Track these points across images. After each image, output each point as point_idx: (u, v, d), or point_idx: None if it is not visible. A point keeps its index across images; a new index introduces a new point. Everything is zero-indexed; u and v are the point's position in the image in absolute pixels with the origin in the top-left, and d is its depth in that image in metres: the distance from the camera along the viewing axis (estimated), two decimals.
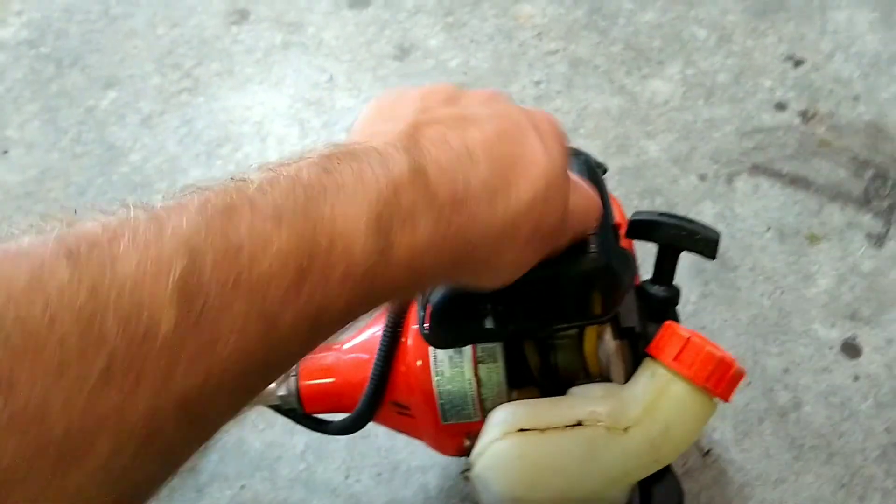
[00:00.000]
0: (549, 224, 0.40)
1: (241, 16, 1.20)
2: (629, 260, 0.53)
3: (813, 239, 0.89)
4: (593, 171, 0.53)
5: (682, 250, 0.57)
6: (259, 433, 0.84)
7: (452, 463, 0.79)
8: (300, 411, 0.65)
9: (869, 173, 0.93)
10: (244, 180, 0.32)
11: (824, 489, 0.76)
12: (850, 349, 0.83)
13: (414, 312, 0.60)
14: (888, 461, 0.77)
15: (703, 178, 0.95)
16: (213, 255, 0.29)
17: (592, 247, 0.49)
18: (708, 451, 0.78)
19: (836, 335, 0.83)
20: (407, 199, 0.33)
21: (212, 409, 0.30)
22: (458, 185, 0.35)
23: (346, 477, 0.81)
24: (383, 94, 0.43)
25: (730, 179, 0.94)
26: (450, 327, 0.52)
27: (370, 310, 0.35)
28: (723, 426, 0.79)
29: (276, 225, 0.30)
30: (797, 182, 0.93)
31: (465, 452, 0.61)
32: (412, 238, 0.33)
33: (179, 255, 0.28)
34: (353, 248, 0.31)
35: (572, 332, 0.58)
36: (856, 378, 0.81)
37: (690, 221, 0.57)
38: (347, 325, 0.34)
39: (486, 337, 0.54)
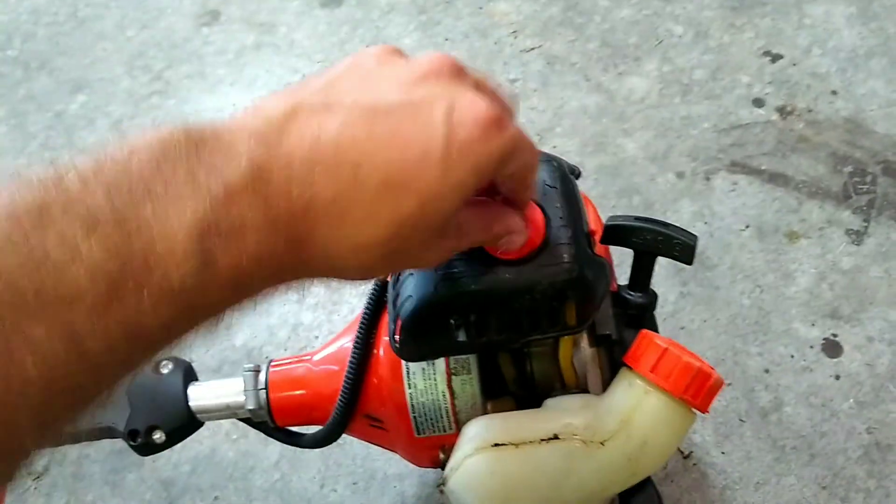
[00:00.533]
0: (411, 250, 0.36)
1: (212, 17, 1.18)
2: (604, 269, 0.51)
3: (792, 236, 0.89)
4: (565, 179, 0.51)
5: (659, 256, 0.56)
6: (232, 443, 0.83)
7: (429, 471, 0.78)
8: (271, 424, 0.64)
9: (848, 169, 0.93)
10: (67, 169, 0.29)
11: (806, 491, 0.75)
12: (831, 348, 0.82)
13: (386, 323, 0.59)
14: (870, 461, 0.76)
15: (680, 175, 0.94)
16: (10, 265, 0.26)
17: (566, 257, 0.47)
18: (689, 455, 0.77)
19: (816, 334, 0.83)
20: (238, 211, 0.30)
21: (14, 441, 0.27)
22: (303, 198, 0.32)
23: (322, 487, 0.79)
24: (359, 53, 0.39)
25: (708, 177, 0.93)
26: (421, 341, 0.50)
27: (197, 327, 0.32)
28: (703, 428, 0.78)
29: (87, 232, 0.27)
30: (776, 179, 0.92)
31: (441, 464, 0.59)
32: (238, 255, 0.30)
33: None
34: (170, 264, 0.29)
35: (547, 341, 0.56)
36: (837, 377, 0.80)
37: (667, 226, 0.55)
38: (176, 343, 0.31)
39: (458, 350, 0.52)
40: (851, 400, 0.79)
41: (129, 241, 0.28)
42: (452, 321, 0.48)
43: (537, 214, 0.48)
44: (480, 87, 0.38)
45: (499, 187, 0.41)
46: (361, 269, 0.36)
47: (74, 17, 1.22)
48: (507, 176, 0.39)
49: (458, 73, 0.37)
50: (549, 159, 0.52)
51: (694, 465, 0.77)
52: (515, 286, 0.47)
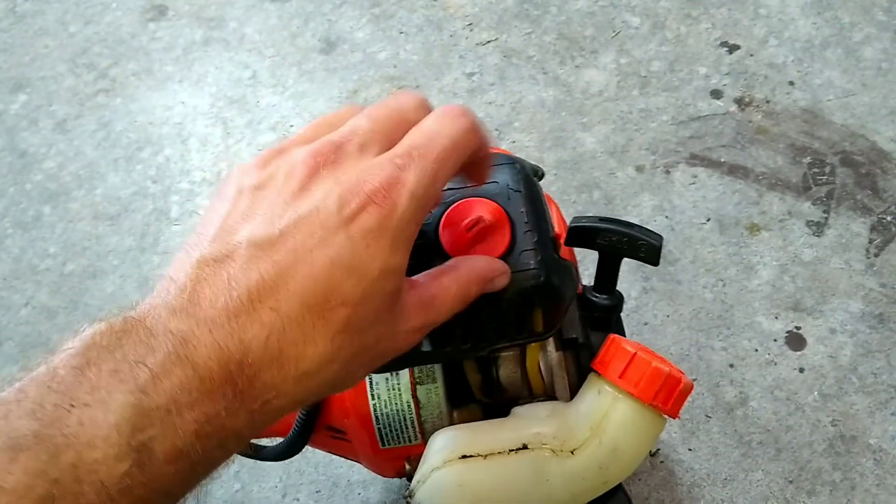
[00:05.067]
0: (369, 347, 0.35)
1: (159, 12, 1.14)
2: (570, 272, 0.50)
3: (753, 229, 0.88)
4: (529, 181, 0.50)
5: (625, 257, 0.55)
6: None
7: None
8: None
9: (806, 160, 0.92)
10: None
11: (773, 486, 0.75)
12: (795, 340, 0.82)
13: None
14: (835, 454, 0.76)
15: (640, 169, 0.93)
16: None
17: (532, 263, 0.46)
18: (656, 453, 0.77)
19: (779, 327, 0.82)
20: (169, 393, 0.29)
21: None
22: (234, 356, 0.31)
23: (284, 496, 0.77)
24: (228, 179, 0.37)
25: (667, 170, 0.93)
26: None
27: None
28: (670, 426, 0.78)
29: (11, 458, 0.26)
30: (735, 171, 0.92)
31: (406, 475, 0.58)
32: (177, 438, 0.29)
33: None
34: (102, 470, 0.28)
35: (514, 348, 0.55)
36: (801, 370, 0.80)
37: (631, 226, 0.54)
38: None
39: (423, 360, 0.50)
40: (816, 393, 0.79)
41: (56, 459, 0.27)
42: None
43: (502, 220, 0.47)
44: (372, 138, 0.37)
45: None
46: (322, 389, 0.35)
47: (13, 12, 1.18)
48: (461, 170, 0.39)
49: (336, 154, 0.35)
50: (512, 161, 0.51)
51: (661, 462, 0.76)
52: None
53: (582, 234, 0.54)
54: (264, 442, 0.64)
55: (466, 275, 0.41)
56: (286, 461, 0.76)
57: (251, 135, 1.01)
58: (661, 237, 0.54)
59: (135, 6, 1.15)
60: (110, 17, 1.15)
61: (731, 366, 0.80)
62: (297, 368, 0.32)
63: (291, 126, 1.01)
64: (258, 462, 0.77)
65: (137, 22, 1.14)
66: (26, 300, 0.92)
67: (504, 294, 0.45)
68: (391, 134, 0.37)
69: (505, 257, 0.46)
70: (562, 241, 0.54)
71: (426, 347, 0.47)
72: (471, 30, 1.06)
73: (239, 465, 0.79)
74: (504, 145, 0.96)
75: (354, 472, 0.77)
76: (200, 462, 0.31)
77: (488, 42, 1.05)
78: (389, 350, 0.37)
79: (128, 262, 0.93)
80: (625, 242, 0.53)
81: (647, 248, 0.53)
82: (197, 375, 0.30)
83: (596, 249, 0.55)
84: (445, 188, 0.46)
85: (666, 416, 0.50)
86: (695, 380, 0.80)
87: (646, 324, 0.83)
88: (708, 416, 0.78)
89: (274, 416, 0.33)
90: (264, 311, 0.32)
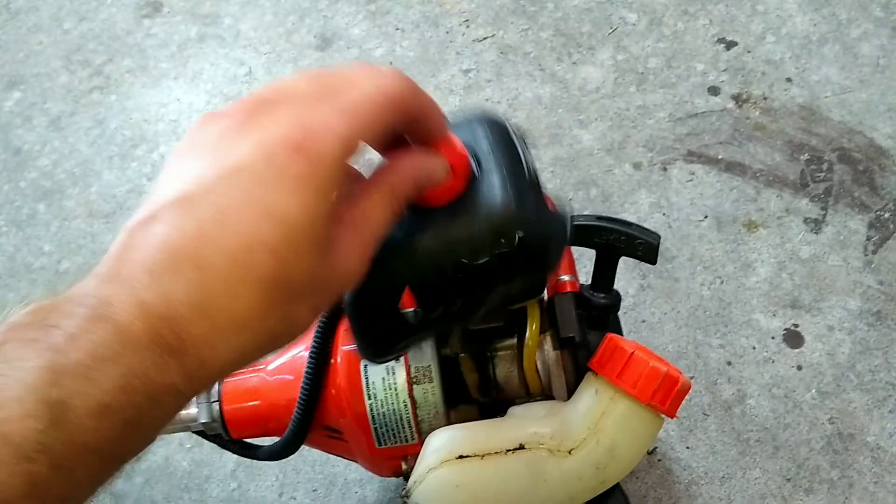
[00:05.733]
0: (304, 282, 0.34)
1: (154, 8, 1.14)
2: (556, 218, 0.45)
3: (751, 226, 0.88)
4: (500, 127, 0.45)
5: (622, 256, 0.54)
6: (187, 452, 0.80)
7: None
8: (226, 437, 0.61)
9: (804, 157, 0.92)
10: None
11: (771, 484, 0.75)
12: (793, 338, 0.81)
13: (342, 332, 0.57)
14: (833, 452, 0.75)
15: (637, 166, 0.93)
16: None
17: (500, 191, 0.41)
18: (653, 450, 0.76)
19: (777, 324, 0.82)
20: (84, 351, 0.29)
21: None
22: (157, 314, 0.31)
23: (280, 495, 0.77)
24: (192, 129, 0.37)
25: (665, 167, 0.92)
26: (371, 335, 0.45)
27: (92, 480, 0.30)
28: (668, 423, 0.77)
29: None
30: (733, 168, 0.92)
31: (403, 474, 0.58)
32: (97, 392, 0.29)
33: None
34: (15, 427, 0.27)
35: (510, 344, 0.55)
36: (799, 367, 0.80)
37: (629, 225, 0.54)
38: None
39: (415, 333, 0.45)
40: (814, 390, 0.79)
41: None
42: (394, 298, 0.43)
43: (458, 149, 0.42)
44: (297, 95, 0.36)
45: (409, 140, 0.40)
46: (263, 342, 0.34)
47: (7, 8, 1.17)
48: (402, 129, 0.38)
49: (264, 107, 0.35)
50: (488, 117, 0.46)
51: (659, 460, 0.76)
52: (445, 236, 0.41)
53: (580, 232, 0.54)
54: (261, 441, 0.64)
55: (391, 176, 0.39)
56: (283, 460, 0.76)
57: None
58: (658, 236, 0.53)
59: (129, 3, 1.15)
60: (105, 13, 1.14)
61: (729, 363, 0.80)
62: (228, 322, 0.32)
63: None
64: (255, 461, 0.77)
65: (132, 18, 1.13)
66: (21, 298, 0.91)
67: (472, 230, 0.41)
68: (322, 89, 0.36)
69: (468, 194, 0.42)
70: None
71: (413, 319, 0.43)
72: (467, 26, 1.06)
73: (235, 464, 0.78)
74: None
75: (351, 471, 0.77)
76: (133, 419, 0.30)
77: (485, 38, 1.05)
78: (334, 288, 0.36)
79: None
80: (622, 241, 0.53)
81: (645, 247, 0.53)
82: (118, 331, 0.30)
83: (594, 248, 0.54)
84: None
85: (663, 416, 0.49)
86: (692, 377, 0.80)
87: (643, 321, 0.83)
88: (706, 414, 0.78)
89: (217, 372, 0.33)
90: (188, 268, 0.31)
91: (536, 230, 0.41)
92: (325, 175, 0.34)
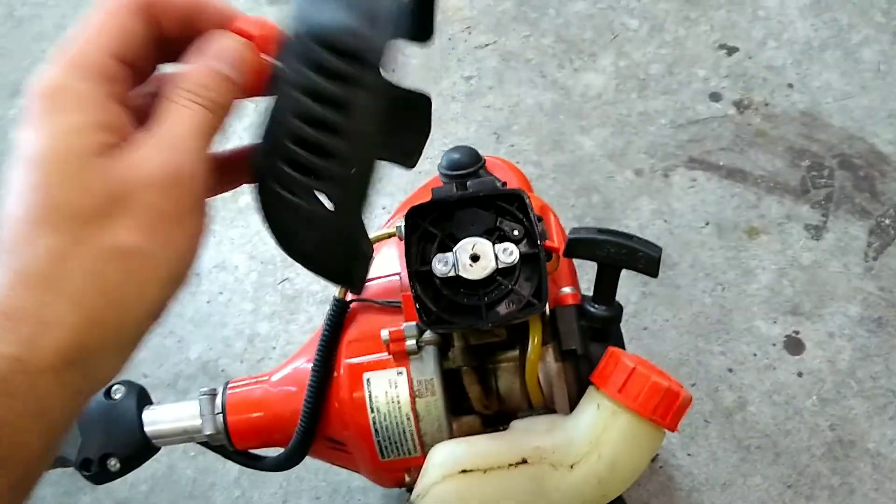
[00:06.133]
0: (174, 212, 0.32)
1: None
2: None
3: (752, 232, 0.88)
4: None
5: (624, 268, 0.55)
6: (191, 460, 0.81)
7: None
8: (230, 447, 0.62)
9: (805, 163, 0.92)
10: None
11: (772, 490, 0.75)
12: (793, 345, 0.82)
13: (344, 345, 0.57)
14: (833, 458, 0.76)
15: (639, 173, 0.93)
16: None
17: None
18: (654, 458, 0.77)
19: (778, 331, 0.82)
20: None
21: None
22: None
23: (284, 502, 0.77)
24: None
25: (666, 174, 0.93)
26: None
27: None
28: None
29: None
30: (734, 174, 0.92)
31: (406, 486, 0.58)
32: None
33: None
34: None
35: (513, 356, 0.55)
36: (799, 374, 0.80)
37: (630, 238, 0.54)
38: None
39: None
40: (814, 397, 0.79)
41: None
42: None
43: (254, 22, 0.36)
44: None
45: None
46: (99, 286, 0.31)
47: (11, 17, 1.18)
48: (176, 33, 0.34)
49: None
50: None
51: (660, 468, 0.77)
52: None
53: (581, 245, 0.54)
54: (265, 452, 0.64)
55: (185, 82, 0.34)
56: None
57: (249, 139, 1.00)
58: (660, 248, 0.54)
59: None
60: None
61: (730, 370, 0.81)
62: (35, 277, 0.30)
63: None
64: None
65: None
66: None
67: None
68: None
69: None
70: (560, 252, 0.54)
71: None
72: (469, 33, 1.06)
73: (239, 472, 0.79)
74: (502, 148, 0.95)
75: (354, 479, 0.77)
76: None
77: (486, 45, 1.05)
78: (145, 193, 0.32)
79: None
80: (624, 254, 0.53)
81: (647, 260, 0.53)
82: None
83: (595, 261, 0.55)
84: None
85: (665, 430, 0.50)
86: (693, 385, 0.80)
87: (645, 328, 0.83)
88: (707, 421, 0.78)
89: (67, 332, 0.30)
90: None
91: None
92: (60, 107, 0.31)
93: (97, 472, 0.61)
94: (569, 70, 1.01)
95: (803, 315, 0.83)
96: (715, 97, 0.98)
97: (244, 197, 0.93)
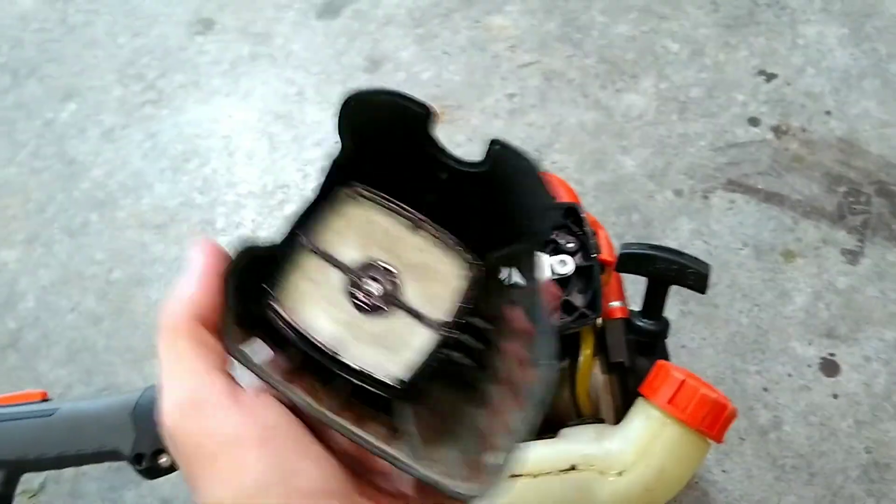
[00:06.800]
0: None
1: (206, 25, 1.17)
2: None
3: (788, 256, 0.89)
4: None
5: (673, 284, 0.56)
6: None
7: None
8: None
9: (842, 189, 0.94)
10: None
11: None
12: (829, 367, 0.83)
13: None
14: (869, 480, 0.77)
15: (678, 193, 0.94)
16: None
17: None
18: None
19: (813, 353, 0.83)
20: None
21: None
22: None
23: None
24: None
25: (705, 195, 0.94)
26: None
27: None
28: None
29: None
30: (772, 198, 0.93)
31: None
32: None
33: None
34: None
35: (562, 367, 0.56)
36: (835, 396, 0.81)
37: (681, 255, 0.56)
38: None
39: None
40: (850, 419, 0.80)
41: None
42: None
43: None
44: None
45: None
46: None
47: (64, 23, 1.21)
48: None
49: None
50: None
51: (696, 483, 0.78)
52: None
53: (632, 260, 0.55)
54: None
55: None
56: None
57: (297, 150, 1.03)
58: (708, 266, 0.55)
59: (182, 19, 1.18)
60: (158, 29, 1.18)
61: (766, 389, 0.82)
62: None
63: (336, 143, 1.03)
64: None
65: (185, 35, 1.16)
66: (73, 305, 0.94)
67: None
68: None
69: None
70: (613, 266, 0.55)
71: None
72: (513, 51, 1.08)
73: None
74: (544, 166, 0.97)
75: None
76: None
77: (530, 64, 1.07)
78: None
79: (173, 270, 0.95)
80: (674, 270, 0.55)
81: (696, 277, 0.55)
82: None
83: (645, 276, 0.56)
84: None
85: (710, 441, 0.51)
86: None
87: (683, 346, 0.85)
88: (742, 439, 0.79)
89: None
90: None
91: None
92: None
93: (149, 468, 0.63)
94: (611, 90, 1.03)
95: (839, 338, 0.84)
96: (753, 122, 0.99)
97: None
